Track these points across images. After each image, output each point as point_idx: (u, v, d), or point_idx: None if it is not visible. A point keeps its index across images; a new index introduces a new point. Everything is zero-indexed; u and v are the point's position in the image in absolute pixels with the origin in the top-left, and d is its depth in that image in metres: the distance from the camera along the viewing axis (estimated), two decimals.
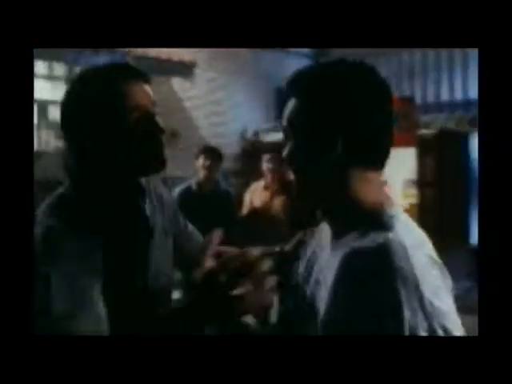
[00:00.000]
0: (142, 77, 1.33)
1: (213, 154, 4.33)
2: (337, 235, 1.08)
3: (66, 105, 1.30)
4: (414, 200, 5.76)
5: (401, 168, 6.00)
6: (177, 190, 4.30)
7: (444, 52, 8.69)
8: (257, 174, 4.89)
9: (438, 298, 0.92)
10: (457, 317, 0.96)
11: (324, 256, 1.13)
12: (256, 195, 4.44)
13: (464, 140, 7.69)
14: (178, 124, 7.08)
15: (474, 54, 8.49)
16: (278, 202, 4.32)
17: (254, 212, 4.32)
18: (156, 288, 1.38)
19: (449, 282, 1.02)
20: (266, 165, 4.34)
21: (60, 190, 1.32)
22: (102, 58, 6.17)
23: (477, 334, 1.01)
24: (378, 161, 1.06)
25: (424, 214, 5.48)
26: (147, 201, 1.41)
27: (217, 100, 8.47)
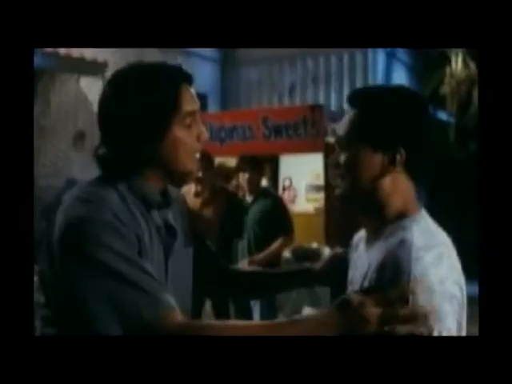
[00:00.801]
0: (191, 81, 1.30)
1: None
2: (370, 239, 1.22)
3: (109, 102, 1.23)
4: (319, 204, 5.96)
5: (307, 173, 6.19)
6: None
7: (346, 56, 8.91)
8: None
9: (428, 299, 0.99)
10: (443, 320, 1.00)
11: (356, 258, 1.29)
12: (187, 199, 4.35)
13: None
14: (84, 125, 6.84)
15: (373, 57, 8.84)
16: (208, 211, 4.27)
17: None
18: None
19: (456, 286, 1.07)
20: (200, 170, 4.26)
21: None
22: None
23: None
24: (421, 173, 1.20)
25: (329, 216, 5.67)
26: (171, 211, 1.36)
27: None
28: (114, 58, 7.72)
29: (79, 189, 1.21)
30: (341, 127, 1.20)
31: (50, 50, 6.21)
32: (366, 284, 1.12)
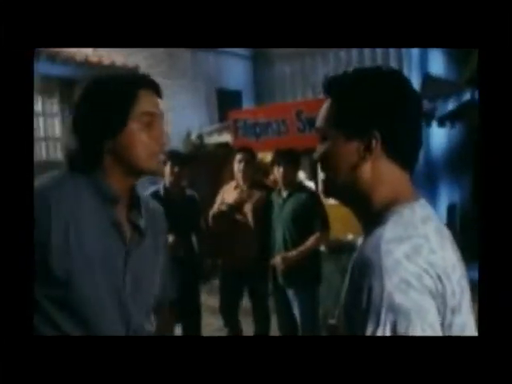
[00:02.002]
0: (154, 88, 1.43)
1: (179, 159, 4.32)
2: (365, 233, 1.13)
3: (80, 103, 1.39)
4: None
5: None
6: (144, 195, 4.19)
7: (379, 49, 8.88)
8: (203, 177, 4.83)
9: (404, 294, 0.92)
10: (424, 317, 0.93)
11: None
12: (227, 195, 4.42)
13: None
14: None
15: (407, 50, 8.75)
16: (246, 205, 4.31)
17: (222, 213, 4.33)
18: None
19: (442, 280, 0.98)
20: (237, 165, 4.32)
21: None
22: (57, 66, 6.04)
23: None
24: (407, 158, 1.11)
25: None
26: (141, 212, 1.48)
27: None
28: (146, 62, 7.83)
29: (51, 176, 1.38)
30: (319, 118, 1.15)
31: (80, 59, 6.33)
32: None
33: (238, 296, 4.42)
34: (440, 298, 0.97)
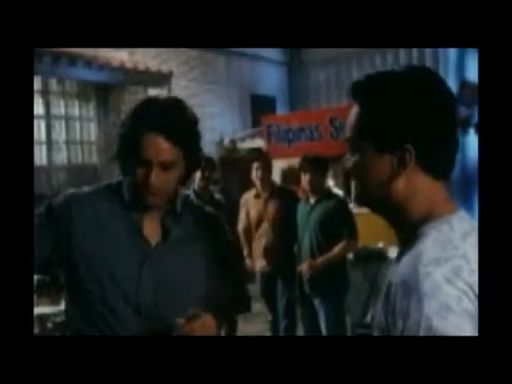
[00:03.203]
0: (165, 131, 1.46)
1: (210, 164, 4.43)
2: (398, 250, 1.09)
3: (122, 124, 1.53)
4: None
5: None
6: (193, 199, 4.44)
7: (415, 53, 8.78)
8: (235, 182, 4.87)
9: (444, 320, 0.88)
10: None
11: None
12: (250, 205, 4.48)
13: None
14: None
15: (444, 54, 8.60)
16: (271, 209, 4.35)
17: (249, 229, 4.46)
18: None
19: (469, 307, 0.93)
20: (254, 173, 4.36)
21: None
22: (79, 69, 6.16)
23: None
24: (442, 170, 1.05)
25: None
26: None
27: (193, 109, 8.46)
28: (180, 68, 7.92)
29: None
30: (347, 127, 1.08)
31: (116, 64, 6.44)
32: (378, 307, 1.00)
33: (275, 298, 4.48)
34: (476, 318, 0.93)
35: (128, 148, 1.45)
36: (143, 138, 1.43)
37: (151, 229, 1.50)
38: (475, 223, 1.05)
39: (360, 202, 1.11)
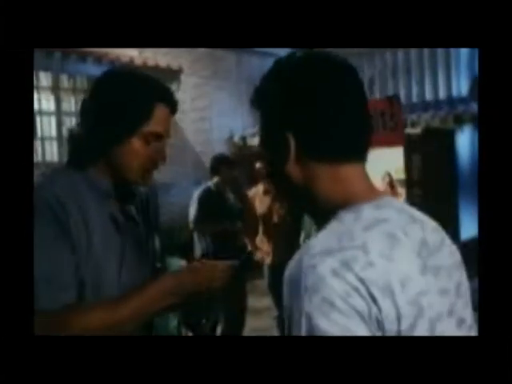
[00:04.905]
0: (171, 104, 1.40)
1: (227, 163, 4.62)
2: None
3: (89, 100, 1.37)
4: (401, 199, 5.78)
5: (389, 167, 6.02)
6: (197, 191, 4.69)
7: (426, 51, 8.78)
8: (245, 178, 4.91)
9: (323, 316, 0.79)
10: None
11: None
12: (258, 201, 4.51)
13: (449, 137, 7.76)
14: None
15: (456, 52, 8.58)
16: (280, 205, 4.38)
17: (255, 224, 4.50)
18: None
19: (368, 305, 0.81)
20: (259, 171, 4.41)
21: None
22: (89, 66, 6.20)
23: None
24: (343, 157, 0.94)
25: None
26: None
27: (202, 106, 8.49)
28: (190, 65, 7.93)
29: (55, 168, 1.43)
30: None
31: (125, 61, 6.48)
32: None
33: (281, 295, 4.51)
34: (375, 322, 0.82)
35: (132, 121, 1.32)
36: (156, 110, 1.34)
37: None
38: (409, 210, 0.97)
39: (282, 198, 1.11)
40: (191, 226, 4.59)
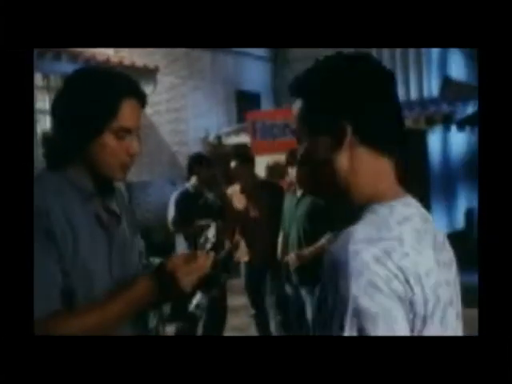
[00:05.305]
0: (139, 97, 1.40)
1: (205, 163, 4.68)
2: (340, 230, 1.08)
3: (59, 100, 1.37)
4: None
5: None
6: (174, 194, 4.72)
7: (398, 52, 8.88)
8: (221, 177, 4.95)
9: (371, 298, 0.87)
10: (392, 323, 0.88)
11: None
12: (235, 201, 4.54)
13: (421, 138, 7.89)
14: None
15: (427, 53, 8.72)
16: (257, 203, 4.41)
17: (232, 223, 4.52)
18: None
19: (413, 287, 0.91)
20: (235, 170, 4.44)
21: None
22: (64, 64, 6.14)
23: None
24: (383, 142, 1.05)
25: None
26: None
27: (178, 106, 8.48)
28: (165, 64, 7.91)
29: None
30: (294, 123, 1.11)
31: (101, 59, 6.44)
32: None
33: (260, 292, 4.58)
34: (409, 305, 0.91)
35: (100, 118, 1.32)
36: (122, 105, 1.34)
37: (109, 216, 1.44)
38: (423, 210, 1.06)
39: (308, 189, 1.15)
40: (171, 227, 4.60)
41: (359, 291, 0.87)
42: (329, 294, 0.91)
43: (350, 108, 1.01)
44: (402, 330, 0.89)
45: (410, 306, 0.91)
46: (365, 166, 1.03)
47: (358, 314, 0.87)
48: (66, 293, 1.28)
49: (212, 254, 1.43)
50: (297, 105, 1.08)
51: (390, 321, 0.88)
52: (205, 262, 1.36)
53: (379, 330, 0.87)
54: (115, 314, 1.29)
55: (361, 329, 0.87)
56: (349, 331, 0.88)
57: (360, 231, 0.94)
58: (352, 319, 0.87)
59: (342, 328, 0.88)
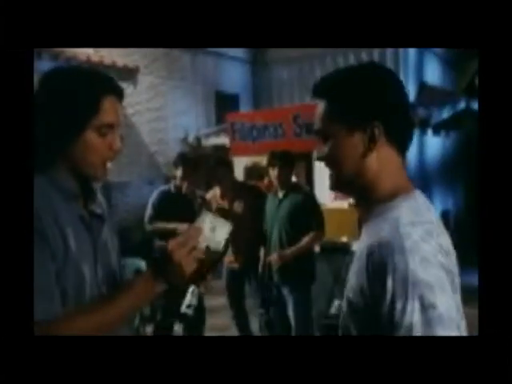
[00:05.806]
0: (118, 93, 1.41)
1: (190, 162, 4.67)
2: (364, 224, 1.22)
3: (38, 99, 1.35)
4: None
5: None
6: (155, 192, 4.74)
7: (376, 55, 8.98)
8: (200, 179, 4.97)
9: (426, 271, 1.01)
10: (445, 290, 1.01)
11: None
12: (215, 205, 4.56)
13: None
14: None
15: (404, 56, 8.84)
16: (237, 206, 4.44)
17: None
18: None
19: (447, 261, 1.07)
20: (215, 173, 4.49)
21: None
22: (45, 63, 6.09)
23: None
24: (405, 144, 1.20)
25: None
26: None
27: (158, 105, 8.46)
28: (145, 64, 7.88)
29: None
30: (316, 121, 1.21)
31: (82, 58, 6.39)
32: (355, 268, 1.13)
33: (240, 294, 4.64)
34: (452, 274, 1.07)
35: (81, 116, 1.33)
36: (103, 102, 1.35)
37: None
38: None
39: (335, 185, 1.22)
40: (147, 227, 4.59)
41: (416, 266, 1.01)
42: (386, 273, 1.02)
43: (380, 110, 1.15)
44: (450, 296, 1.02)
45: (452, 274, 1.06)
46: (389, 163, 1.17)
47: (418, 284, 1.00)
48: (61, 293, 1.28)
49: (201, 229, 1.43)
50: (322, 106, 1.18)
51: (443, 288, 1.01)
52: (195, 232, 1.38)
53: (437, 296, 0.99)
54: (119, 313, 1.29)
55: (422, 297, 0.99)
56: (411, 301, 0.98)
57: (404, 217, 1.09)
58: (414, 290, 0.99)
59: (406, 298, 0.99)
